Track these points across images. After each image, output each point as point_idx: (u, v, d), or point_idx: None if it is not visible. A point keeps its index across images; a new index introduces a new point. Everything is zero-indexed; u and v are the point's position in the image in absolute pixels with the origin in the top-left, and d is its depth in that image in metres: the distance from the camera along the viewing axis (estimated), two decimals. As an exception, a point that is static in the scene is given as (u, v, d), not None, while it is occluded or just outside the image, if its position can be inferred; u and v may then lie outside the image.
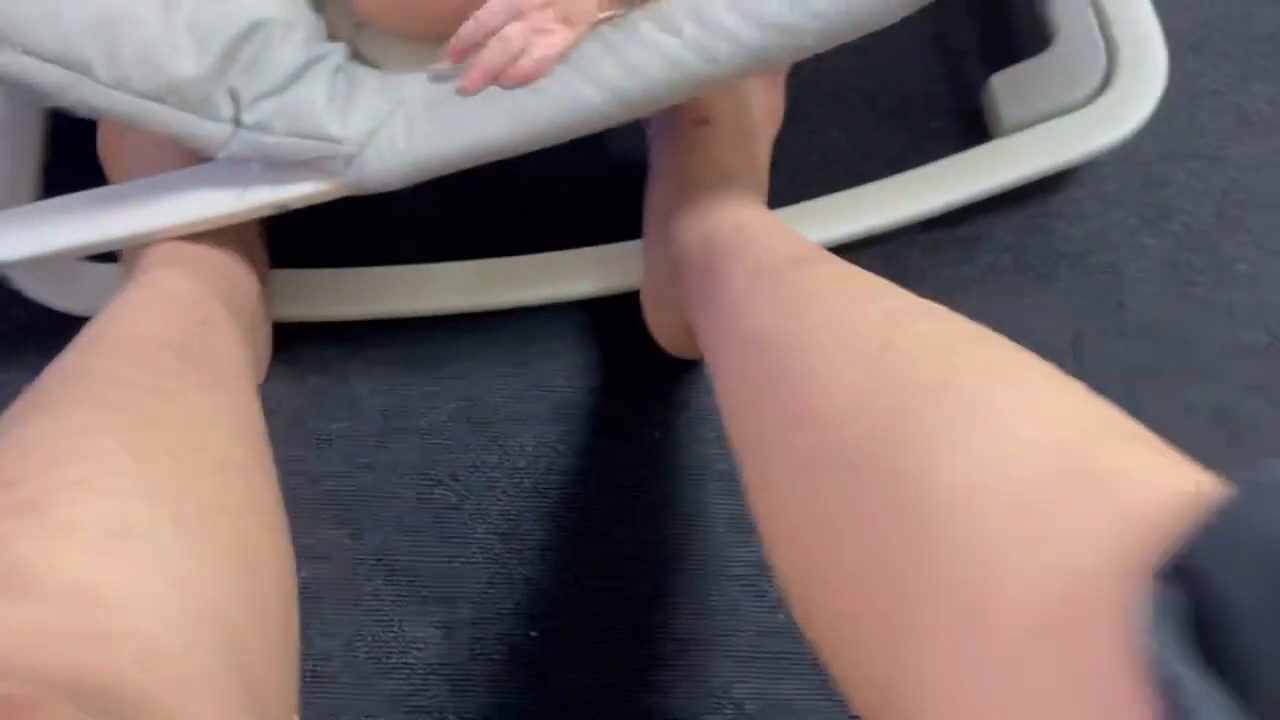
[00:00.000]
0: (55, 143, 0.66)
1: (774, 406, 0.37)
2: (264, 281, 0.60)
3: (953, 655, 0.25)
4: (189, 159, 0.54)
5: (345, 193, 0.51)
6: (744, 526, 0.63)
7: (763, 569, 0.63)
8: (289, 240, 0.64)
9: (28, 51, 0.44)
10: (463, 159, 0.49)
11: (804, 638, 0.36)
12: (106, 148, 0.61)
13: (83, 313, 0.63)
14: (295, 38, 0.49)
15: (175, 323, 0.48)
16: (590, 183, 0.70)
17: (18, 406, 0.39)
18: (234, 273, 0.56)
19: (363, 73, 0.51)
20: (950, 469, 0.27)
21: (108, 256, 0.63)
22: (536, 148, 0.49)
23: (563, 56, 0.47)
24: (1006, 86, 0.70)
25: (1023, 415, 0.28)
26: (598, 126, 0.48)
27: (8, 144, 0.64)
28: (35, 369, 0.66)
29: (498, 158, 0.49)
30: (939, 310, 0.36)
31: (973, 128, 0.72)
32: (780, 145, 0.66)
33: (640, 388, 0.67)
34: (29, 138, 0.65)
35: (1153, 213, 0.72)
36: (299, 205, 0.51)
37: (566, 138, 0.48)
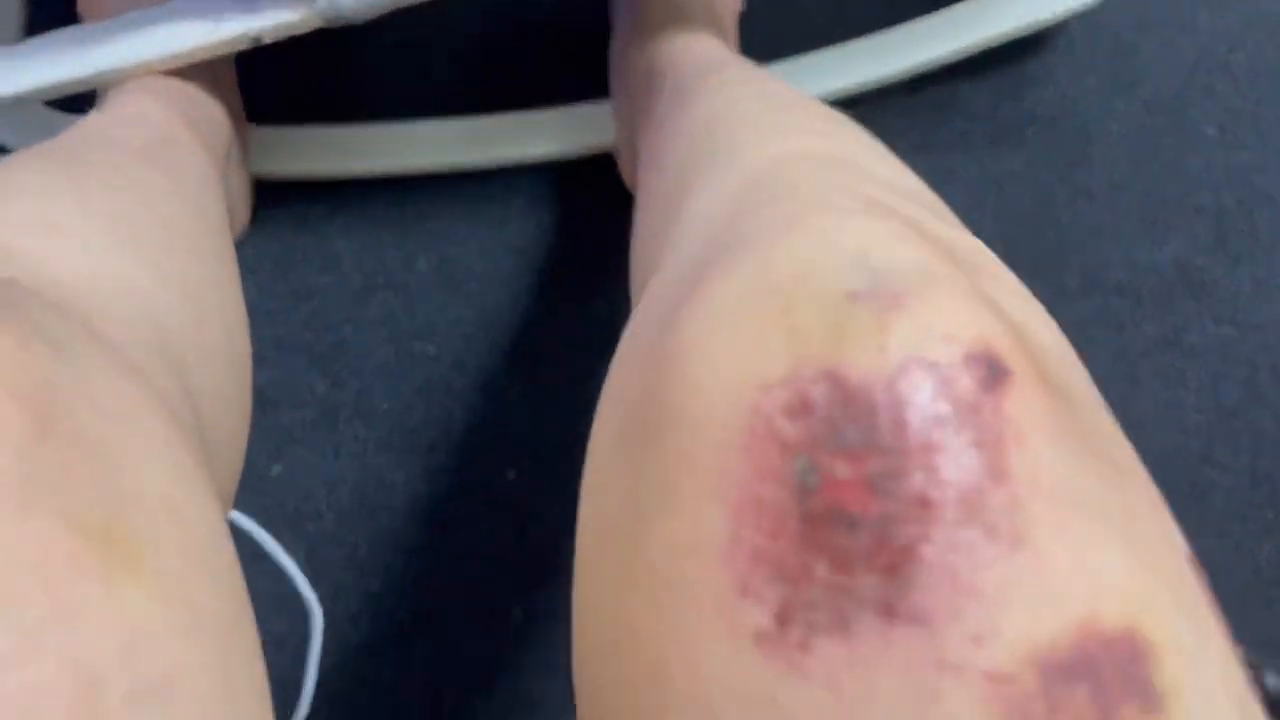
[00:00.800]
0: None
1: (644, 179, 0.40)
2: (240, 129, 0.61)
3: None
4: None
5: (319, 23, 0.51)
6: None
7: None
8: (267, 96, 0.64)
9: None
10: (435, -16, 0.49)
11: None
12: (84, -2, 0.61)
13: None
14: None
15: (140, 135, 0.48)
16: (565, 42, 0.71)
17: None
18: (208, 109, 0.56)
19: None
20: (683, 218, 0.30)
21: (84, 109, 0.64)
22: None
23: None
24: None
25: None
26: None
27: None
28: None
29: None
30: (798, 98, 0.38)
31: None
32: (752, 5, 0.66)
33: (615, 247, 0.68)
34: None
35: (1123, 80, 0.73)
36: (273, 37, 0.51)
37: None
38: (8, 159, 0.39)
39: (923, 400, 0.15)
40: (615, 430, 0.21)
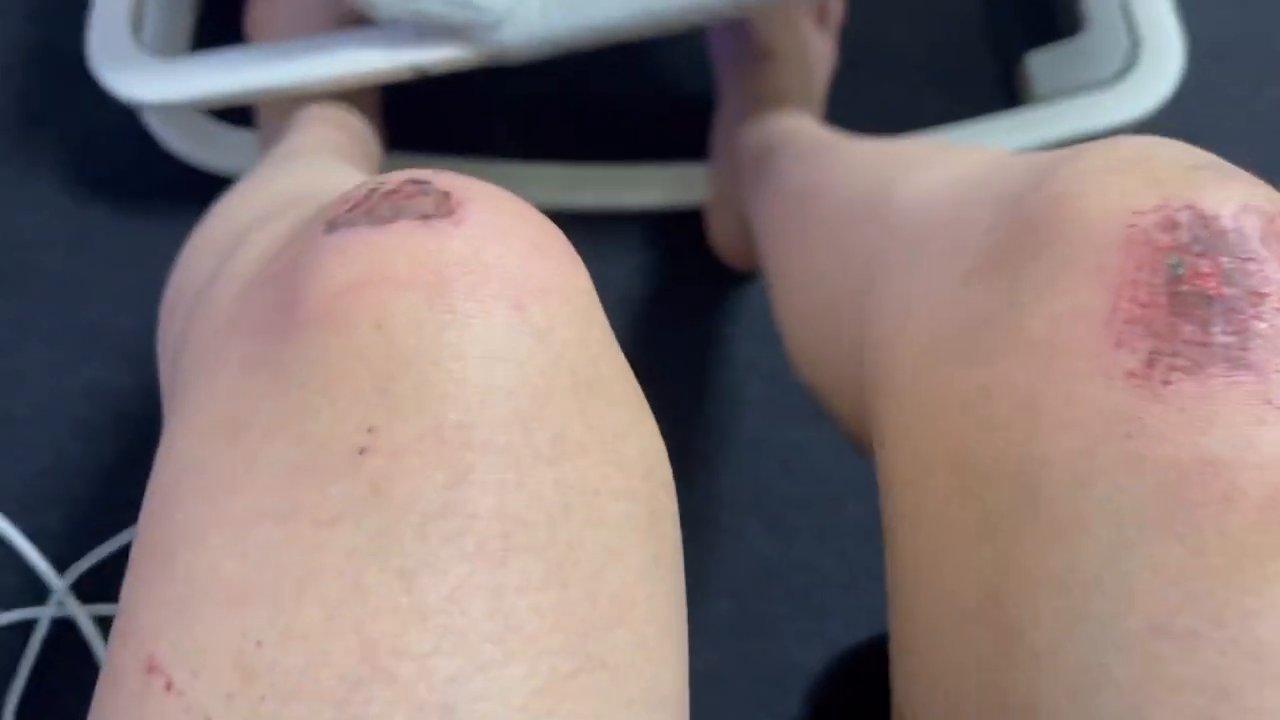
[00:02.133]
0: (203, 17, 0.75)
1: (797, 215, 0.45)
2: (384, 151, 0.69)
3: (903, 286, 0.30)
4: (331, 30, 0.62)
5: (483, 62, 0.59)
6: (775, 413, 0.71)
7: (793, 448, 0.70)
8: (393, 124, 0.72)
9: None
10: (588, 37, 0.57)
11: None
12: (255, 15, 0.69)
13: (220, 170, 0.71)
14: (455, -77, 0.58)
15: (343, 155, 0.56)
16: (665, 109, 0.79)
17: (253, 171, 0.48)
18: (370, 136, 0.64)
19: (505, -38, 0.60)
20: (912, 187, 0.34)
21: (241, 122, 0.72)
22: (654, 34, 0.57)
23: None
24: (1040, 63, 0.80)
25: (953, 165, 0.35)
26: (708, 17, 0.57)
27: (166, 12, 0.72)
28: (173, 220, 0.74)
29: (618, 40, 0.57)
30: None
31: (1010, 99, 0.81)
32: (832, 97, 0.75)
33: (697, 291, 0.75)
34: (183, 7, 0.73)
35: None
36: (438, 70, 0.59)
37: (681, 26, 0.57)
38: (268, 169, 0.47)
39: (1256, 228, 0.22)
40: (969, 265, 0.27)
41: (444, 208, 0.24)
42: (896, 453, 0.28)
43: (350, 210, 0.24)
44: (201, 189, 0.72)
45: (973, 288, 0.26)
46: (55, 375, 0.69)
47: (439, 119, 0.77)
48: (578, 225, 0.75)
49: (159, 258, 0.73)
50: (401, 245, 0.23)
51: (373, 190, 0.25)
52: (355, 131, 0.62)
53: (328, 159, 0.50)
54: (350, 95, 0.63)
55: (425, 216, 0.23)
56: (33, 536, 0.65)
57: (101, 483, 0.67)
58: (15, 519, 0.65)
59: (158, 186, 0.74)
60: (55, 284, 0.72)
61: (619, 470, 0.23)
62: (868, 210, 0.37)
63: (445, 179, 0.25)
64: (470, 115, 0.78)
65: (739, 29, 0.69)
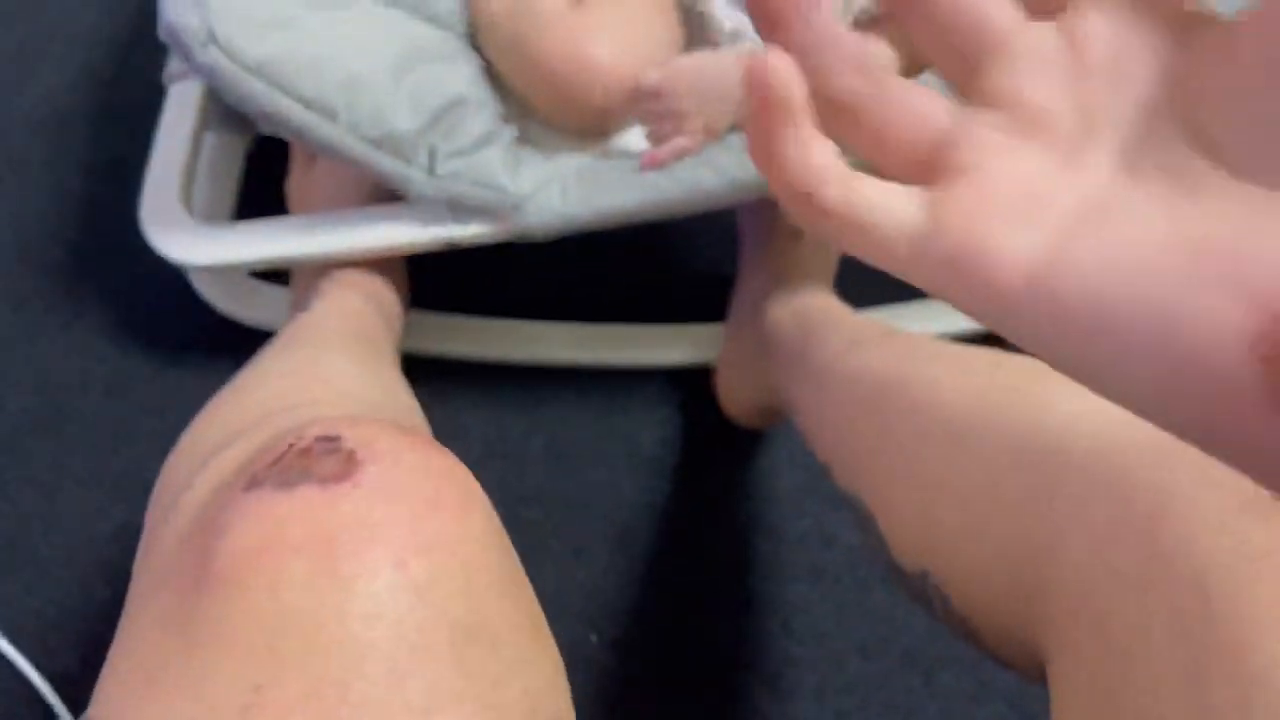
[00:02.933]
0: (246, 185, 0.80)
1: (895, 407, 0.47)
2: (406, 311, 0.73)
3: (1094, 537, 0.31)
4: (365, 203, 0.68)
5: (507, 238, 0.63)
6: (779, 569, 0.73)
7: (794, 605, 0.72)
8: (419, 281, 0.76)
9: (293, 96, 0.58)
10: (603, 220, 0.62)
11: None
12: (296, 187, 0.75)
13: (256, 324, 0.76)
14: (484, 114, 0.63)
15: (357, 329, 0.60)
16: (682, 270, 0.84)
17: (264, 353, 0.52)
18: (391, 302, 0.69)
19: (530, 151, 0.65)
20: (1064, 415, 0.36)
21: (278, 280, 0.76)
22: (663, 219, 0.62)
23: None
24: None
25: None
26: (711, 205, 0.61)
27: (214, 173, 0.77)
28: (208, 368, 0.78)
29: (631, 222, 0.62)
30: None
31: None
32: (848, 261, 0.79)
33: (705, 446, 0.78)
34: (229, 178, 0.79)
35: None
36: (466, 244, 0.64)
37: (687, 213, 0.61)
38: (290, 346, 0.52)
39: None
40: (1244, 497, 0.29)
41: (346, 468, 0.27)
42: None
43: (268, 467, 0.27)
44: (237, 340, 0.76)
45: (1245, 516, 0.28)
46: (87, 518, 0.72)
47: (464, 276, 0.81)
48: (600, 380, 0.79)
49: (194, 405, 0.77)
50: (299, 512, 0.26)
51: (290, 447, 0.28)
52: (378, 298, 0.66)
53: (328, 349, 0.54)
54: (378, 259, 0.68)
55: (324, 480, 0.26)
56: (51, 678, 0.67)
57: (116, 623, 0.69)
58: (36, 659, 0.67)
59: (196, 336, 0.78)
60: (92, 428, 0.75)
61: (495, 715, 0.25)
62: (1010, 429, 0.38)
63: (357, 434, 0.28)
64: (494, 273, 0.82)
65: (770, 208, 0.74)
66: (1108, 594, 0.30)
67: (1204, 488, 0.29)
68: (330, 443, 0.28)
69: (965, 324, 0.79)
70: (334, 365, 0.50)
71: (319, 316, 0.60)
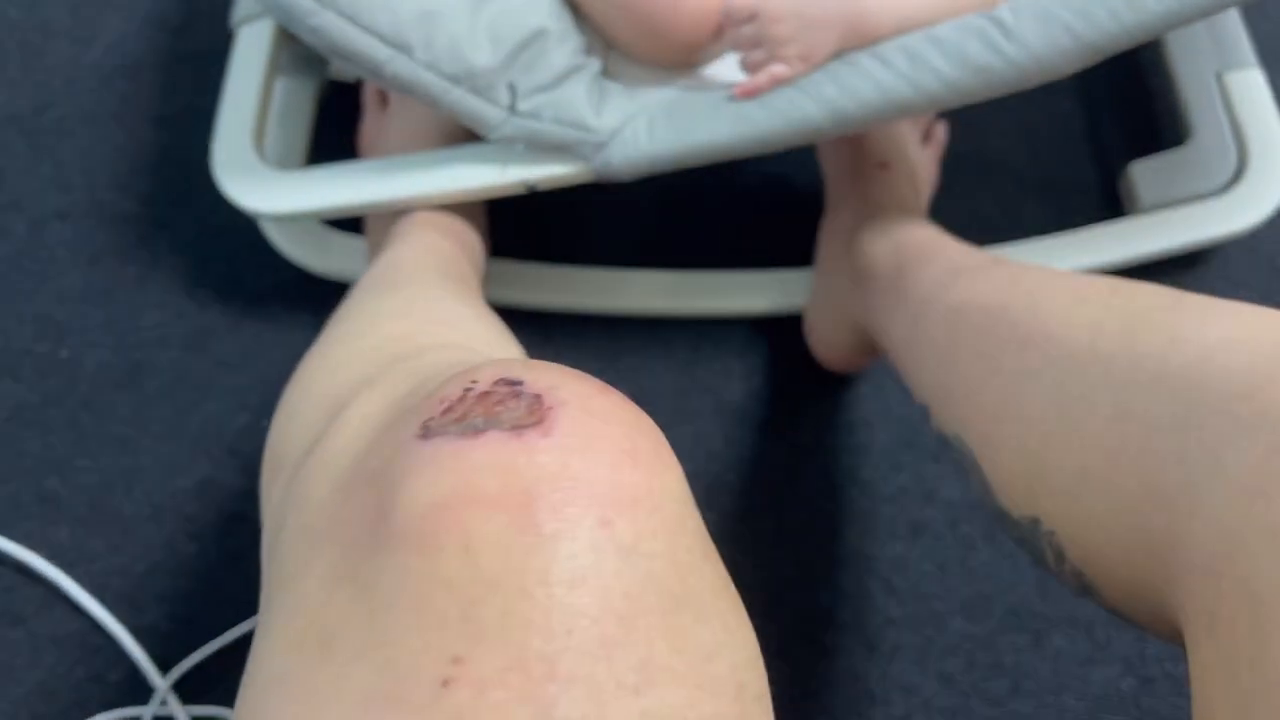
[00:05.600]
0: (318, 133, 0.78)
1: (1001, 337, 0.43)
2: (488, 256, 0.70)
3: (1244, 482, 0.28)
4: (441, 146, 0.65)
5: (590, 179, 0.60)
6: (876, 526, 0.70)
7: (894, 563, 0.69)
8: (498, 228, 0.74)
9: (368, 30, 0.56)
10: (693, 157, 0.58)
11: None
12: (368, 131, 0.72)
13: (332, 275, 0.74)
14: (566, 47, 0.60)
15: (446, 266, 0.58)
16: (765, 215, 0.80)
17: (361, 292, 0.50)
18: (474, 245, 0.66)
19: (613, 83, 0.62)
20: (1199, 346, 0.32)
21: (352, 229, 0.74)
22: (756, 154, 0.58)
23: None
24: (1145, 173, 0.79)
25: (1243, 319, 0.33)
26: (810, 139, 0.57)
27: (286, 120, 0.75)
28: (286, 321, 0.77)
29: (722, 159, 0.58)
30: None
31: (1112, 207, 0.80)
32: (937, 208, 0.75)
33: (795, 397, 0.75)
34: (300, 123, 0.76)
35: (1277, 297, 0.78)
36: (547, 186, 0.61)
37: (783, 147, 0.57)
38: (381, 287, 0.50)
39: None
40: None
41: (535, 414, 0.24)
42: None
43: (444, 414, 0.25)
44: (313, 292, 0.74)
45: None
46: (169, 473, 0.71)
47: (543, 223, 0.78)
48: (682, 329, 0.76)
49: (272, 359, 0.76)
50: (491, 462, 0.23)
51: (466, 392, 0.25)
52: (461, 239, 0.63)
53: (430, 288, 0.51)
54: (457, 203, 0.65)
55: (516, 427, 0.24)
56: (138, 634, 0.66)
57: (208, 582, 0.68)
58: (122, 616, 0.67)
59: (272, 289, 0.77)
60: (171, 382, 0.74)
61: (708, 693, 0.23)
62: (1138, 359, 0.35)
63: (537, 377, 0.25)
64: (573, 220, 0.79)
65: (853, 141, 0.70)
66: (1255, 555, 0.26)
67: None
68: (513, 387, 0.25)
69: (1078, 262, 0.75)
70: (445, 305, 0.48)
71: (408, 257, 0.58)
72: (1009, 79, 0.54)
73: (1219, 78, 0.78)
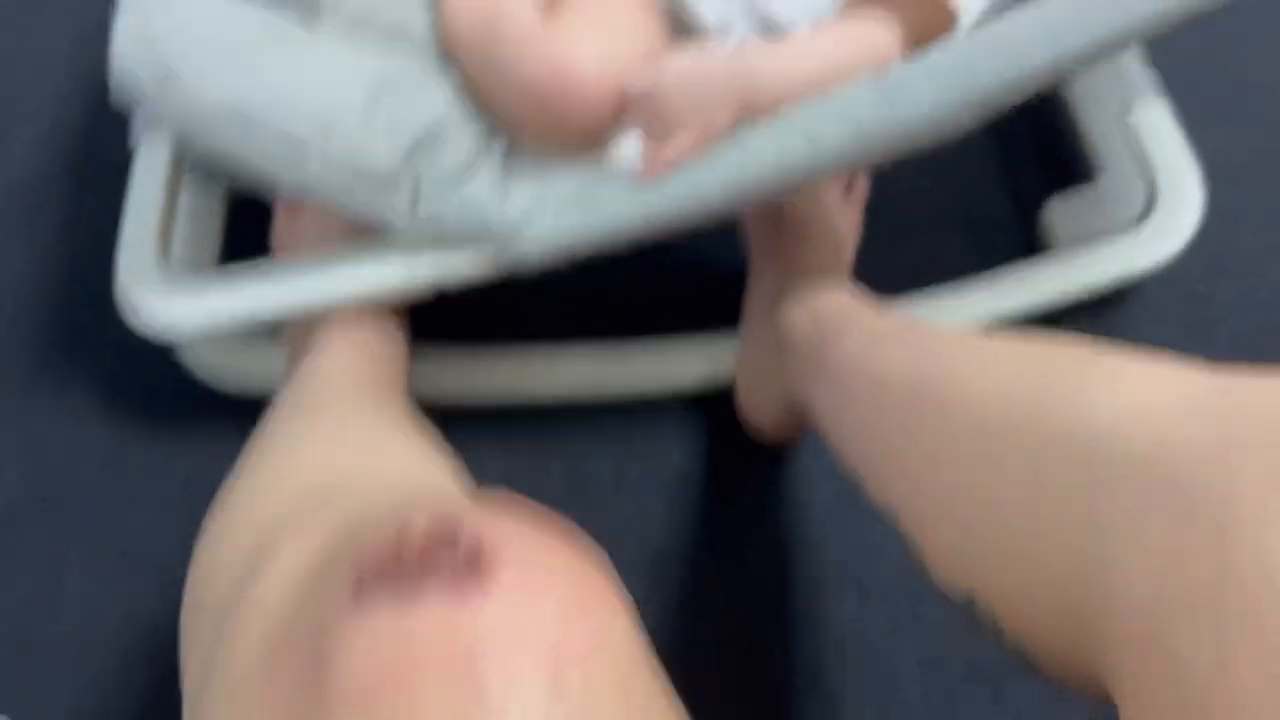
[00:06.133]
0: (228, 237, 0.76)
1: (914, 410, 0.43)
2: (408, 358, 0.69)
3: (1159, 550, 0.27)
4: (351, 244, 0.63)
5: (500, 272, 0.59)
6: (825, 587, 0.69)
7: (845, 624, 0.68)
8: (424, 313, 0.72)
9: (261, 140, 0.55)
10: (606, 241, 0.58)
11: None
12: (280, 238, 0.71)
13: (250, 391, 0.71)
14: (468, 135, 0.59)
15: (368, 371, 0.56)
16: (689, 284, 0.79)
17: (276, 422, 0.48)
18: (397, 342, 0.65)
19: (519, 169, 0.61)
20: (1109, 413, 0.32)
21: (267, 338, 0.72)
22: (664, 231, 0.57)
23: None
24: (1060, 210, 0.79)
25: (1151, 382, 0.33)
26: (714, 213, 0.57)
27: (190, 234, 0.73)
28: (207, 436, 0.74)
29: (631, 240, 0.58)
30: (1061, 339, 0.42)
31: (1032, 245, 0.81)
32: (862, 256, 0.74)
33: (735, 463, 0.74)
34: (209, 229, 0.75)
35: (1200, 325, 0.79)
36: (457, 283, 0.60)
37: (695, 223, 0.57)
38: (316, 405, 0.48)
39: None
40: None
41: (473, 567, 0.23)
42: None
43: (378, 572, 0.23)
44: (234, 404, 0.73)
45: None
46: (93, 600, 0.69)
47: (468, 305, 0.77)
48: (617, 404, 0.75)
49: (193, 474, 0.73)
50: (431, 626, 0.22)
51: (399, 544, 0.24)
52: (381, 341, 0.62)
53: (352, 410, 0.50)
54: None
55: (454, 582, 0.23)
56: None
57: (133, 708, 0.66)
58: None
59: (190, 400, 0.75)
60: (90, 504, 0.72)
61: None
62: (1049, 428, 0.34)
63: (474, 524, 0.24)
64: (499, 299, 0.78)
65: (773, 203, 0.70)
66: (1175, 625, 0.26)
67: (1277, 493, 0.25)
68: (447, 535, 0.24)
69: (989, 310, 0.75)
70: (369, 431, 0.46)
71: (326, 372, 0.56)
72: (904, 137, 0.54)
73: (1124, 113, 0.79)
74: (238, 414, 0.67)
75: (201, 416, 0.74)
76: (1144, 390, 0.33)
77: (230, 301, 0.61)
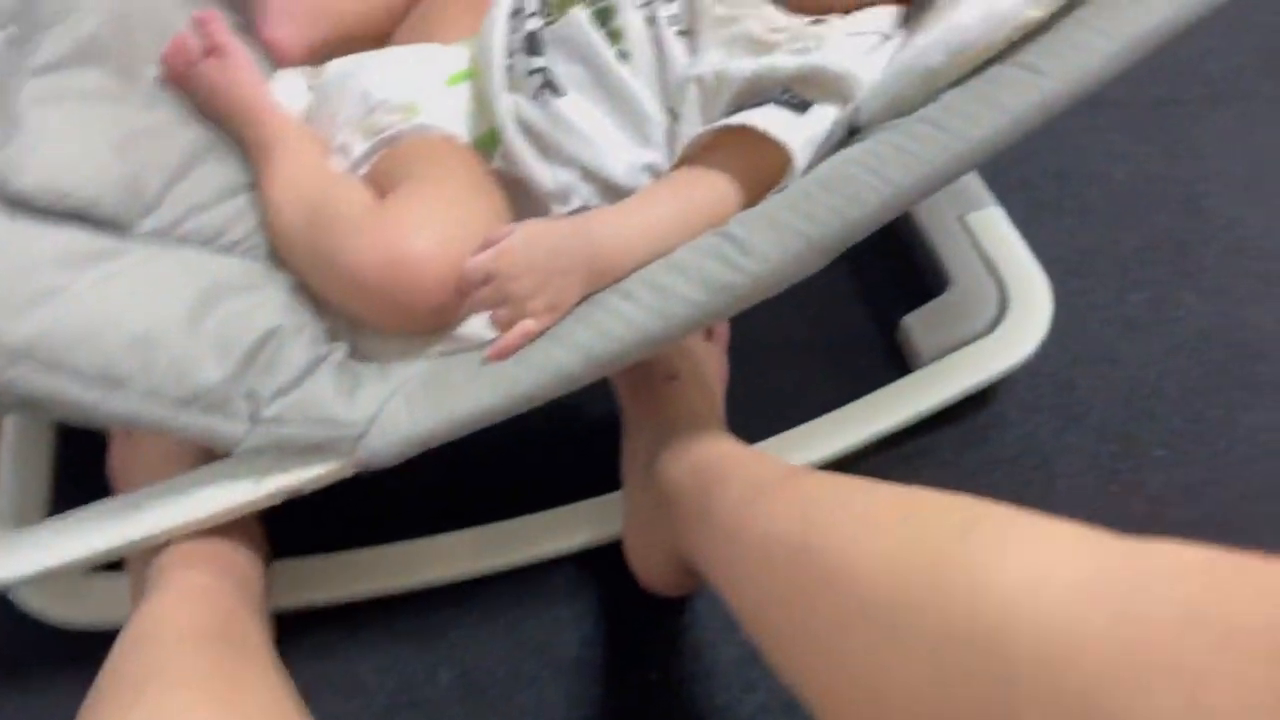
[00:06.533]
0: (61, 467, 0.71)
1: (804, 581, 0.41)
2: (267, 567, 0.64)
3: None
4: (193, 465, 0.59)
5: (353, 471, 0.56)
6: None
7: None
8: (283, 529, 0.68)
9: (71, 374, 0.50)
10: (459, 428, 0.55)
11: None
12: (118, 464, 0.66)
13: (91, 626, 0.65)
14: (303, 339, 0.56)
15: (210, 618, 0.51)
16: (566, 446, 0.77)
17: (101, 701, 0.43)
18: (246, 566, 0.60)
19: (363, 366, 0.58)
20: (999, 598, 0.32)
21: (110, 568, 0.67)
22: (523, 410, 0.55)
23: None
24: (917, 324, 0.80)
25: (1036, 549, 0.33)
26: (573, 387, 0.55)
27: (17, 470, 0.68)
28: (41, 683, 0.67)
29: (490, 423, 0.55)
30: (938, 492, 0.41)
31: (896, 360, 0.81)
32: (732, 394, 0.73)
33: (631, 631, 0.70)
34: (38, 463, 0.69)
35: (1071, 414, 0.80)
36: (311, 488, 0.56)
37: (548, 398, 0.55)
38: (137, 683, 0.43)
39: None
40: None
41: None
42: None
43: None
44: (75, 646, 0.66)
45: None
46: None
47: (328, 508, 0.73)
48: (502, 583, 0.71)
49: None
50: None
51: None
52: (229, 568, 0.57)
53: (188, 685, 0.45)
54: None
55: None
56: None
57: None
58: None
59: (25, 646, 0.68)
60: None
61: None
62: (949, 607, 0.34)
63: None
64: (358, 497, 0.74)
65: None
66: None
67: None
68: None
69: (861, 436, 0.74)
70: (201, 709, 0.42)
71: (163, 617, 0.51)
72: (753, 291, 0.53)
73: (961, 221, 0.82)
74: (82, 656, 0.61)
75: (39, 662, 0.67)
76: (1031, 562, 0.32)
77: (54, 549, 0.56)
